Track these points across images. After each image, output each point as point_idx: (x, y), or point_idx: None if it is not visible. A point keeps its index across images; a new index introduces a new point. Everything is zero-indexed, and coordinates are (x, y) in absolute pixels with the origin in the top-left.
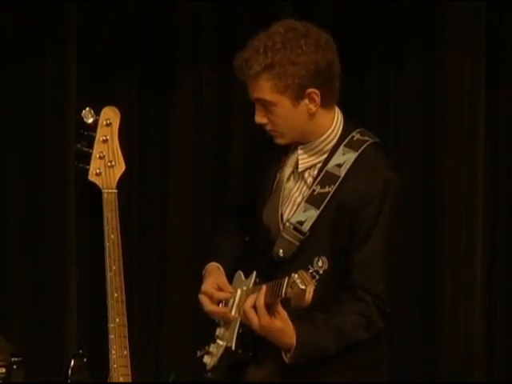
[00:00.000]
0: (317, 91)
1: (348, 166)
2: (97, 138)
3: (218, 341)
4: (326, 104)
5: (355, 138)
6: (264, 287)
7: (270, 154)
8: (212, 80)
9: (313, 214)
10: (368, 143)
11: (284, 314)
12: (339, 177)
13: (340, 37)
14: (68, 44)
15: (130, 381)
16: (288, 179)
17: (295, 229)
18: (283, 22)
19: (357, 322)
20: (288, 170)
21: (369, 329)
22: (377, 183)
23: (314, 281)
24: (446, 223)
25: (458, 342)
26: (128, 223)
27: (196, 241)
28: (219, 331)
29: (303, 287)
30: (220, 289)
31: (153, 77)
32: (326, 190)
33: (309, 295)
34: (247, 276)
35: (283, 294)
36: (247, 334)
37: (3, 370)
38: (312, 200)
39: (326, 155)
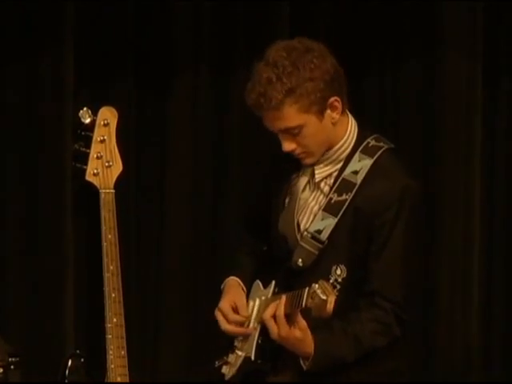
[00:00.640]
0: (337, 98)
1: (364, 173)
2: (94, 138)
3: (237, 351)
4: (344, 109)
5: (370, 144)
6: (283, 297)
7: (285, 165)
8: (210, 80)
9: (331, 222)
10: (383, 149)
11: (303, 324)
12: (356, 184)
13: (338, 37)
14: (65, 44)
15: (128, 381)
16: (304, 189)
17: (313, 238)
18: (275, 46)
19: (375, 330)
20: (303, 180)
21: (387, 336)
22: (394, 189)
23: (335, 291)
24: (444, 223)
25: (455, 342)
26: (125, 223)
27: (194, 241)
28: (238, 342)
29: (324, 298)
30: (236, 309)
31: (150, 77)
32: (343, 197)
33: (330, 306)
34: (265, 286)
35: (304, 305)
36: (266, 344)
37: (0, 370)
38: (329, 208)
39: (341, 163)
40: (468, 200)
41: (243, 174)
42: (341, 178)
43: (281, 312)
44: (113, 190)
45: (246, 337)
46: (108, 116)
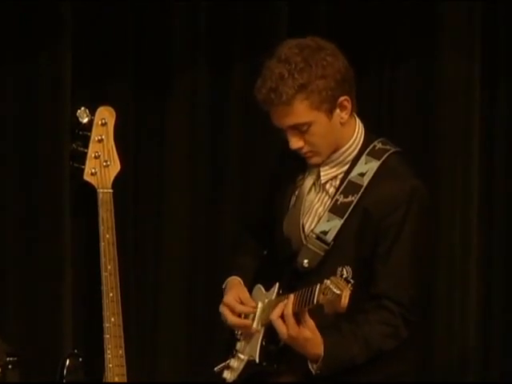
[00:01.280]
0: (347, 97)
1: (371, 175)
2: (92, 138)
3: (239, 355)
4: (353, 110)
5: (377, 148)
6: (292, 296)
7: (290, 166)
8: (208, 80)
9: (337, 223)
10: (390, 152)
11: (312, 323)
12: (362, 186)
13: (337, 37)
14: (63, 44)
15: (126, 380)
16: (309, 191)
17: (319, 239)
18: (288, 44)
19: (384, 332)
20: (309, 182)
21: (395, 339)
22: (401, 191)
23: (349, 285)
24: (442, 223)
25: (453, 342)
26: (123, 223)
27: (192, 241)
28: (239, 345)
29: (339, 292)
30: (242, 303)
31: (148, 76)
32: (350, 199)
33: (345, 300)
34: (267, 289)
35: (315, 301)
36: (271, 346)
37: None
38: (335, 209)
39: (347, 165)
40: (466, 200)
41: (243, 175)
42: (347, 180)
43: (289, 311)
44: (111, 190)
45: (248, 340)
46: (106, 115)
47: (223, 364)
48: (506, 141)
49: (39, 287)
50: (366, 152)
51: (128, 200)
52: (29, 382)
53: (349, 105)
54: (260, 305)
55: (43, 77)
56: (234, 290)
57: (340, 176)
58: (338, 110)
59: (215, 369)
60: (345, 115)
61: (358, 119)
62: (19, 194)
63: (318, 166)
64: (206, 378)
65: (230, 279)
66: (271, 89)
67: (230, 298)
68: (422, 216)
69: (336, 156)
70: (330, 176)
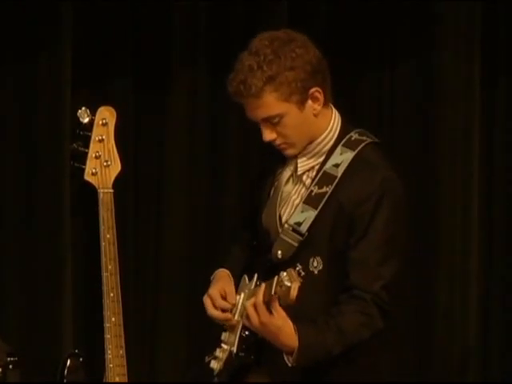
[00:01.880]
0: (319, 89)
1: (345, 166)
2: (92, 138)
3: (223, 345)
4: (326, 101)
5: (353, 138)
6: (263, 285)
7: (271, 159)
8: (207, 80)
9: (311, 214)
10: (366, 142)
11: (282, 312)
12: (336, 177)
13: (336, 37)
14: (63, 44)
15: (126, 380)
16: (286, 182)
17: (294, 230)
18: (260, 37)
19: (358, 321)
20: (287, 173)
21: (370, 328)
22: (373, 181)
23: (299, 278)
24: (441, 223)
25: (453, 342)
26: (124, 223)
27: (192, 240)
28: (224, 335)
29: (289, 284)
30: (224, 297)
31: (148, 76)
32: (324, 190)
33: (294, 292)
34: (251, 279)
35: (273, 293)
36: (249, 337)
37: None
38: (310, 200)
39: (323, 157)
40: (466, 199)
41: (242, 173)
42: (322, 171)
43: (260, 299)
44: (111, 190)
45: (231, 331)
46: (106, 115)
47: (212, 355)
48: (506, 141)
49: (39, 287)
50: (342, 143)
51: (128, 200)
52: (29, 382)
53: (321, 96)
54: (242, 295)
55: (43, 77)
56: (220, 283)
57: (316, 167)
58: (309, 102)
59: (206, 359)
60: (317, 106)
61: (334, 110)
62: (20, 194)
63: (295, 157)
64: (206, 377)
65: (218, 271)
66: (241, 81)
67: (214, 290)
68: (393, 207)
69: (312, 147)
70: (306, 167)
